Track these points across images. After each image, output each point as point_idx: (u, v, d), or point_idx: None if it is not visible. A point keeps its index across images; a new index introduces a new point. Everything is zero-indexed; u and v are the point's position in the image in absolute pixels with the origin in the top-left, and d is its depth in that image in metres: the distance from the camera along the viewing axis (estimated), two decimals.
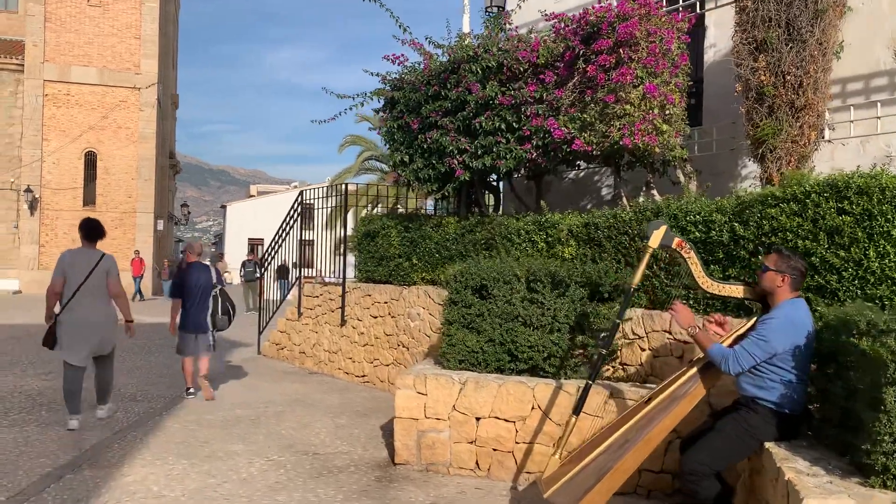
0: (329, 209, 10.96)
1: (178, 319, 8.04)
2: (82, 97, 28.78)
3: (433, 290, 8.03)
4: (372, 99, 8.36)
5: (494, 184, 8.97)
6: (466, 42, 7.58)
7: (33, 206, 27.82)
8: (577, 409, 4.26)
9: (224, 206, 51.14)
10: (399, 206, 11.00)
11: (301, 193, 10.97)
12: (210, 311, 8.03)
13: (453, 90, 7.35)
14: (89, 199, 28.88)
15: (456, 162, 7.37)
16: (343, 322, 9.64)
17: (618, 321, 4.28)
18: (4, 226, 28.29)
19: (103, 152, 28.98)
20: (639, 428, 4.06)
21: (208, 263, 8.47)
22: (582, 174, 8.47)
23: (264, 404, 7.90)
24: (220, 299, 8.14)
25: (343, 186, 10.49)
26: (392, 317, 8.72)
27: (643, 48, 5.79)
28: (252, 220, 49.61)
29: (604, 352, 4.27)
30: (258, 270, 24.99)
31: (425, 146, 7.80)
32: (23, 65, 28.17)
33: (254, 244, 51.77)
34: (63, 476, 5.10)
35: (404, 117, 8.10)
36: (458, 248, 7.76)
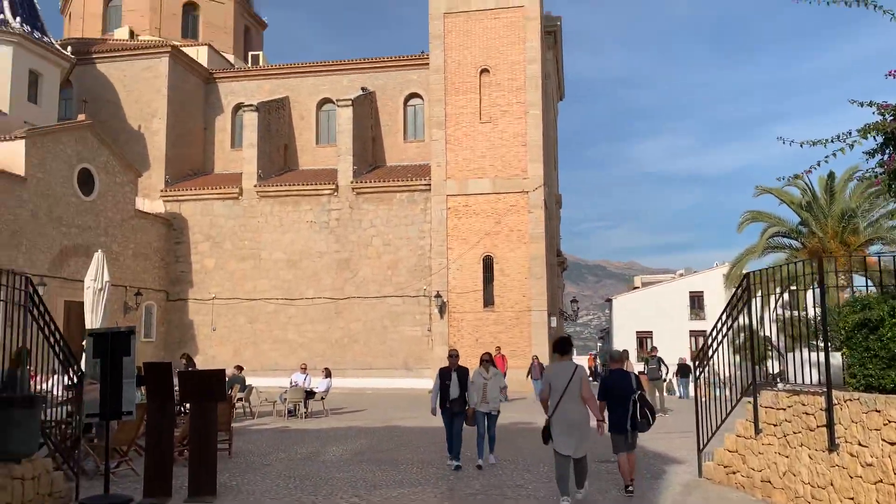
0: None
1: (605, 423, 8.64)
2: (478, 206, 30.70)
3: None
4: (866, 138, 6.08)
5: None
6: None
7: (442, 309, 29.94)
8: None
9: (609, 300, 50.49)
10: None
11: (747, 277, 8.82)
12: (630, 413, 8.63)
13: None
14: (489, 300, 30.18)
15: None
16: (833, 446, 7.09)
17: None
18: (420, 329, 30.91)
19: (498, 255, 30.26)
20: None
21: (629, 370, 9.67)
22: None
23: None
24: (638, 404, 8.69)
25: (799, 264, 8.09)
26: None
27: None
28: (638, 312, 48.00)
29: None
30: (662, 367, 23.12)
31: None
32: (429, 184, 31.22)
33: (642, 337, 49.88)
34: None
35: None
36: None
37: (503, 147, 30.75)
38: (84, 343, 9.81)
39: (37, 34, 28.59)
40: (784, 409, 8.03)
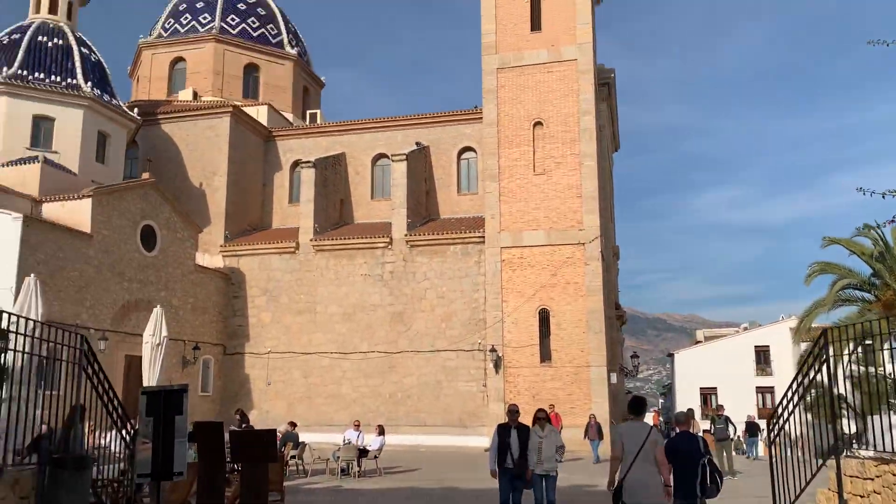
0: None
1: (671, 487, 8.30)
2: (533, 258, 30.35)
3: None
4: None
5: None
6: None
7: (497, 364, 29.39)
8: None
9: (671, 355, 48.96)
10: None
11: (824, 333, 8.26)
12: (699, 479, 8.26)
13: None
14: (545, 355, 29.53)
15: None
16: None
17: None
18: (475, 384, 30.36)
19: (554, 308, 29.70)
20: None
21: (695, 433, 9.16)
22: None
23: None
24: (706, 468, 8.37)
25: (880, 320, 7.52)
26: None
27: None
28: (702, 367, 46.34)
29: None
30: (730, 426, 22.02)
31: None
32: (483, 236, 31.09)
33: (706, 393, 48.05)
34: None
35: None
36: None
37: (558, 199, 30.49)
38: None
39: (106, 97, 29.94)
40: (872, 479, 7.36)
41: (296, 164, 37.07)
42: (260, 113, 38.02)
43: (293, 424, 20.02)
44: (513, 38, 32.23)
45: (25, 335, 7.73)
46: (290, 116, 41.31)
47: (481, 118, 33.20)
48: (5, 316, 7.01)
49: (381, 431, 19.91)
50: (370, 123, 37.25)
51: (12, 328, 7.60)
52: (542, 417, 10.67)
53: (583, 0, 31.81)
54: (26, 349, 7.92)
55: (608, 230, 35.63)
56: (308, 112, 42.87)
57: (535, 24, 32.12)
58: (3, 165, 26.62)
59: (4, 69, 27.50)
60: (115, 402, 8.63)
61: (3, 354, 7.72)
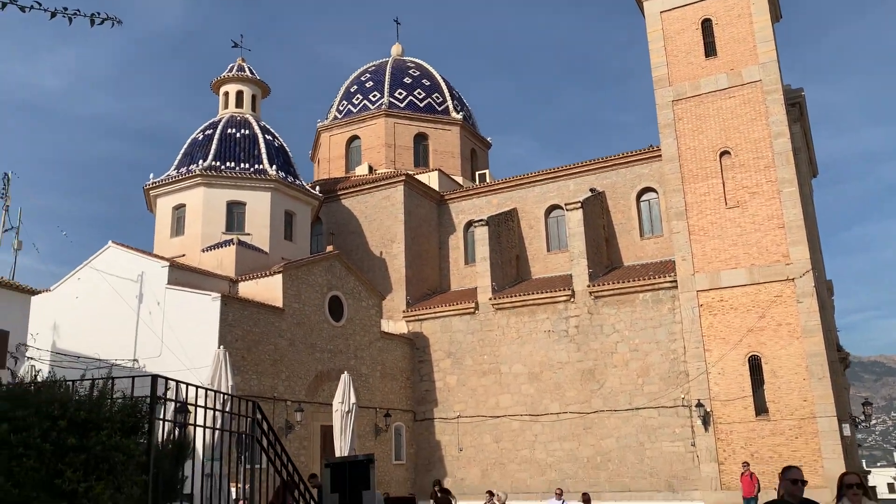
0: None
1: None
2: (735, 300, 27.43)
3: None
4: None
5: None
6: None
7: (706, 421, 26.45)
8: None
9: None
10: None
11: None
12: None
13: None
14: (760, 407, 26.21)
15: None
16: None
17: None
18: (682, 444, 27.48)
19: (766, 354, 26.44)
20: None
21: None
22: None
23: None
24: None
25: None
26: None
27: None
28: None
29: None
30: None
31: None
32: (675, 281, 28.65)
33: None
34: None
35: None
36: None
37: (757, 232, 27.54)
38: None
39: (290, 178, 31.52)
40: None
41: (469, 224, 36.85)
42: (431, 179, 38.49)
43: (490, 494, 18.78)
44: (686, 67, 30.27)
45: (206, 408, 7.24)
46: (459, 179, 41.54)
47: (658, 156, 31.25)
48: (172, 386, 6.49)
49: (587, 500, 18.10)
50: (540, 175, 36.32)
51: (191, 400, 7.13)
52: (855, 484, 5.88)
53: (761, 17, 29.34)
54: (208, 422, 7.42)
55: (818, 263, 31.67)
56: (477, 173, 42.91)
57: (710, 50, 30.01)
58: (203, 251, 28.52)
59: (201, 161, 29.83)
60: (295, 475, 7.90)
61: (184, 429, 7.26)
